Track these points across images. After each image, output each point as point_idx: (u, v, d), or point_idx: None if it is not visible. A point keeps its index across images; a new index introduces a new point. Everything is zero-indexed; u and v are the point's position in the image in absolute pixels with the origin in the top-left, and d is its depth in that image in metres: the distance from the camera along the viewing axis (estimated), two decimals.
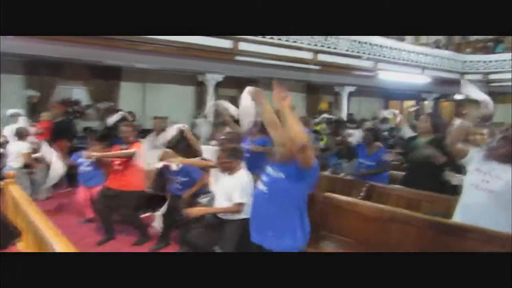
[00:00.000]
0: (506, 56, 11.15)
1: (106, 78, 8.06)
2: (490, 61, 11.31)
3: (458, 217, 2.64)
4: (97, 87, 8.12)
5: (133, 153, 3.87)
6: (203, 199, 3.90)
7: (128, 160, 3.92)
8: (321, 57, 8.14)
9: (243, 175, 2.99)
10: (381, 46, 9.30)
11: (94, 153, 4.06)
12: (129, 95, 8.29)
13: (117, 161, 4.01)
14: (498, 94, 12.12)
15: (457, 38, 14.44)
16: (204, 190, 3.87)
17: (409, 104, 13.48)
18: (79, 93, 8.17)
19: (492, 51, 12.08)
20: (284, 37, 7.57)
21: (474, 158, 2.67)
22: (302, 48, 7.83)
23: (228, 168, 3.01)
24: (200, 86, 8.64)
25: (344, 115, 10.34)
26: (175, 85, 8.82)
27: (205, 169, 3.78)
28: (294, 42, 7.70)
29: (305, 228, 2.20)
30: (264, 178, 2.22)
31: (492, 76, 11.29)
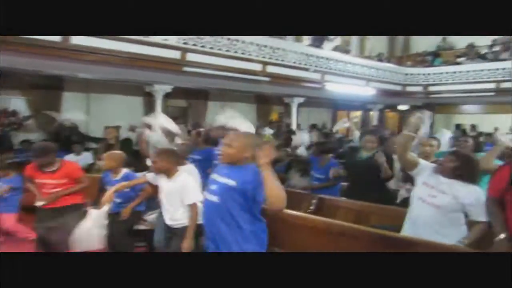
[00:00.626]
0: (443, 69, 11.81)
1: (47, 88, 7.65)
2: (429, 74, 11.92)
3: (406, 230, 2.66)
4: (37, 97, 7.69)
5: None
6: (150, 216, 3.75)
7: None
8: (270, 69, 8.21)
9: (184, 176, 2.93)
10: (327, 58, 9.53)
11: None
12: (72, 105, 7.92)
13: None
14: (437, 105, 12.85)
15: (398, 52, 15.15)
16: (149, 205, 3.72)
17: (356, 115, 13.94)
18: (19, 103, 7.70)
19: (430, 64, 12.74)
20: (232, 49, 7.56)
21: (423, 171, 2.70)
22: (251, 60, 7.86)
23: (161, 169, 2.94)
24: (149, 97, 8.42)
25: (294, 125, 10.48)
26: (121, 95, 8.54)
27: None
28: (243, 53, 7.70)
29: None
30: (214, 186, 2.16)
31: (431, 88, 11.89)
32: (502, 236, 2.20)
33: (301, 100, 10.53)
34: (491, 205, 2.35)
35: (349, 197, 3.92)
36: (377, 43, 14.30)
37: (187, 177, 2.95)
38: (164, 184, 3.00)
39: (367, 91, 10.68)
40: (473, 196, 2.46)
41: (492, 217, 2.32)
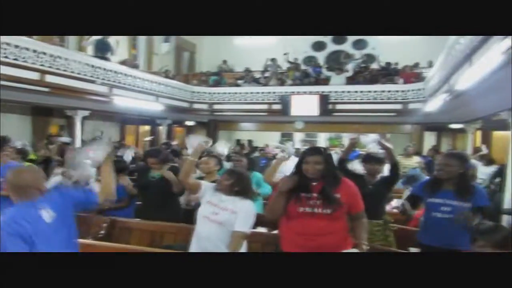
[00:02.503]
0: (226, 89, 12.90)
1: None
2: (214, 93, 12.83)
3: (193, 247, 2.77)
4: None
5: None
6: None
7: None
8: (50, 79, 7.38)
9: None
10: (115, 72, 9.19)
11: None
12: None
13: None
14: (220, 122, 13.93)
15: (184, 70, 15.83)
16: None
17: (145, 129, 13.87)
18: None
19: (209, 83, 13.72)
20: (3, 53, 6.48)
21: (206, 192, 2.86)
22: (27, 67, 6.90)
23: None
24: None
25: (78, 140, 9.68)
26: None
27: None
28: (15, 59, 6.70)
29: None
30: None
31: (215, 106, 12.80)
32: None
33: (86, 113, 9.86)
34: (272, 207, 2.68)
35: (143, 217, 3.83)
36: (165, 59, 14.62)
37: None
38: None
39: (156, 107, 10.74)
40: (245, 209, 2.70)
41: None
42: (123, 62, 10.42)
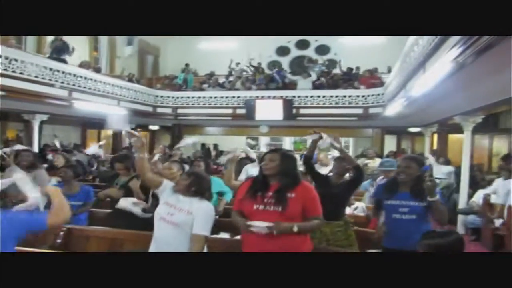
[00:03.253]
0: (190, 94, 12.82)
1: None
2: (178, 97, 12.72)
3: (152, 249, 2.74)
4: None
5: None
6: None
7: None
8: (6, 82, 7.11)
9: None
10: (75, 75, 8.96)
11: None
12: None
13: None
14: (185, 126, 13.83)
15: (148, 74, 15.62)
16: None
17: (107, 133, 13.57)
18: None
19: (179, 87, 13.60)
20: None
21: (165, 190, 2.85)
22: None
23: None
24: None
25: (35, 144, 9.36)
26: None
27: None
28: None
29: None
30: None
31: (179, 110, 12.69)
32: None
33: (45, 117, 9.56)
34: (234, 216, 2.72)
35: (107, 224, 3.76)
36: (128, 63, 14.40)
37: None
38: None
39: (118, 111, 10.53)
40: (202, 210, 2.67)
41: (240, 225, 2.65)
42: (83, 65, 10.16)
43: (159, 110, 12.62)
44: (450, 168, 7.78)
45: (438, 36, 4.27)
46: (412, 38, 5.80)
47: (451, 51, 3.80)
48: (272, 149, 2.91)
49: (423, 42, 5.10)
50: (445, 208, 3.14)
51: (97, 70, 10.83)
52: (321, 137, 3.59)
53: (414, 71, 5.73)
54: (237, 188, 2.99)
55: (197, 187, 2.76)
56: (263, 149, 18.17)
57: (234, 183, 3.65)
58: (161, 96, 12.65)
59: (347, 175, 3.80)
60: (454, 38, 3.76)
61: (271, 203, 2.59)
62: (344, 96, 11.55)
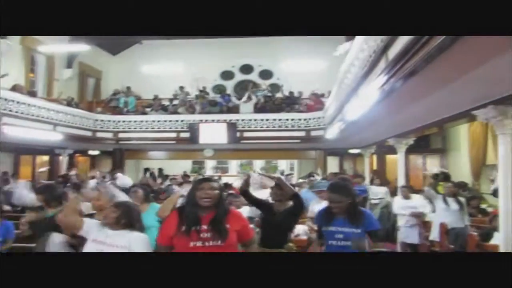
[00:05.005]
0: (132, 117, 12.53)
1: None
2: (119, 121, 12.38)
3: None
4: None
5: None
6: None
7: None
8: None
9: None
10: (6, 99, 8.49)
11: None
12: None
13: None
14: (127, 151, 13.43)
15: (89, 97, 15.12)
16: None
17: (43, 159, 12.90)
18: None
19: (120, 110, 13.26)
20: None
21: (91, 229, 2.68)
22: None
23: None
24: None
25: None
26: None
27: None
28: None
29: None
30: None
31: (121, 135, 12.35)
32: None
33: None
34: (160, 250, 2.55)
35: None
36: (67, 86, 13.88)
37: None
38: None
39: (54, 136, 10.07)
40: (138, 242, 2.57)
41: None
42: (16, 88, 9.66)
43: (99, 134, 12.20)
44: (385, 189, 8.10)
45: (367, 64, 4.50)
46: (345, 65, 6.07)
47: (378, 78, 4.01)
48: (206, 178, 2.76)
49: (355, 69, 5.36)
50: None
51: (32, 94, 10.34)
52: (249, 176, 3.73)
53: (348, 96, 5.98)
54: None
55: (127, 219, 2.64)
56: (210, 172, 18.05)
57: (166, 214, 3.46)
58: (101, 120, 12.26)
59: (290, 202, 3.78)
60: (380, 67, 3.98)
61: (209, 238, 2.44)
62: (287, 119, 11.79)
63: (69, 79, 14.29)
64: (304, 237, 5.02)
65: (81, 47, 12.72)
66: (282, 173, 12.38)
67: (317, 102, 12.16)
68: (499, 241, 4.10)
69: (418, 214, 6.50)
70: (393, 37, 3.46)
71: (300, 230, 5.21)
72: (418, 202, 6.53)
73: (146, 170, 14.48)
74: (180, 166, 16.08)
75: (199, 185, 2.58)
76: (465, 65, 2.95)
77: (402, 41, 3.19)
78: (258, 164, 18.31)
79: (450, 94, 4.04)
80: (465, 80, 3.36)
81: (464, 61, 2.84)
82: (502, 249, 3.91)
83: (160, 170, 15.00)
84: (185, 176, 11.53)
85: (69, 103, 11.69)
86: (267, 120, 11.89)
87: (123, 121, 12.41)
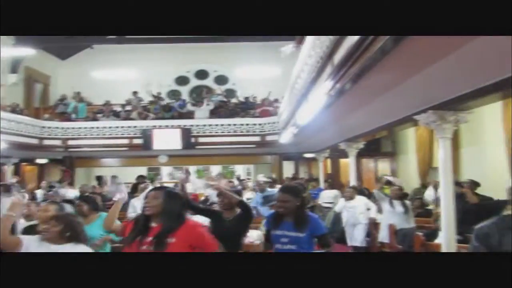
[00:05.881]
0: (82, 124, 12.10)
1: None
2: (68, 128, 11.92)
3: None
4: None
5: None
6: None
7: None
8: None
9: None
10: None
11: None
12: None
13: None
14: (77, 158, 12.93)
15: (36, 103, 14.44)
16: None
17: None
18: None
19: (68, 115, 12.76)
20: None
21: (31, 245, 2.51)
22: None
23: None
24: None
25: None
26: None
27: None
28: None
29: None
30: None
31: (70, 142, 11.88)
32: None
33: None
34: None
35: None
36: (12, 91, 13.21)
37: None
38: None
39: None
40: None
41: None
42: None
43: (46, 142, 11.68)
44: (335, 192, 8.25)
45: (315, 70, 4.57)
46: (295, 71, 6.15)
47: (325, 84, 4.08)
48: (157, 186, 2.73)
49: (304, 75, 5.44)
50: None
51: None
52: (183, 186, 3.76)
53: (299, 102, 6.06)
54: (120, 232, 2.80)
55: (71, 231, 2.51)
56: (166, 179, 17.70)
57: (113, 226, 3.28)
58: (48, 127, 11.75)
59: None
60: (327, 72, 4.05)
61: (147, 251, 2.32)
62: (242, 125, 11.82)
63: (14, 84, 13.60)
64: (258, 242, 5.00)
65: (26, 51, 12.14)
66: (238, 178, 12.32)
67: (270, 107, 12.27)
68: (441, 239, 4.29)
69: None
70: (338, 42, 3.51)
71: (254, 235, 5.19)
72: (359, 202, 6.68)
73: (98, 177, 13.99)
74: (135, 173, 15.64)
75: (148, 193, 2.54)
76: (407, 69, 3.05)
77: (346, 45, 3.24)
78: (215, 169, 18.18)
79: (393, 99, 4.19)
80: (407, 85, 3.49)
81: (406, 65, 2.94)
82: (444, 248, 4.09)
83: (114, 177, 14.50)
84: (141, 177, 10.97)
85: (13, 110, 11.12)
86: (222, 125, 11.86)
87: (72, 128, 11.96)
